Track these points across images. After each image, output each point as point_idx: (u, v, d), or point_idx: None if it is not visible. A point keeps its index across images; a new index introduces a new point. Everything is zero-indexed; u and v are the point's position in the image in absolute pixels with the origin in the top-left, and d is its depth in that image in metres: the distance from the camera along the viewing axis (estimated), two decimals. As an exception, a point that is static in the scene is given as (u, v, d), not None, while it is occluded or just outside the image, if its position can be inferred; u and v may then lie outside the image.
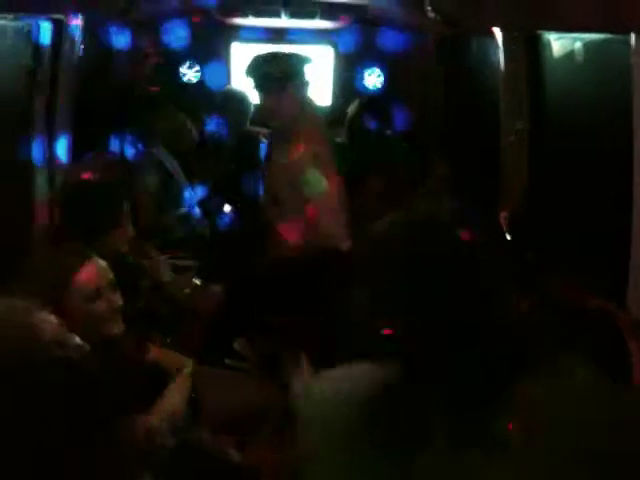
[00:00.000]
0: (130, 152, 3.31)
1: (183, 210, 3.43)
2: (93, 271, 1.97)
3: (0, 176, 2.77)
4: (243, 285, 3.24)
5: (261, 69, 3.05)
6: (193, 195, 3.48)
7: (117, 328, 2.03)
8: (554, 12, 2.57)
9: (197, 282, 2.79)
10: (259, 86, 3.10)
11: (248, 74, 3.14)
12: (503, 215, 2.11)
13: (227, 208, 3.95)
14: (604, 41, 2.49)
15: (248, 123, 4.19)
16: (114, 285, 2.03)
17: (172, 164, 3.48)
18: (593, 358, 1.09)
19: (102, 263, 2.03)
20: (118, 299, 2.03)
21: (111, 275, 2.04)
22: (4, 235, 2.67)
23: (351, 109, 4.17)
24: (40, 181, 2.94)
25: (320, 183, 2.89)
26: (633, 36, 2.15)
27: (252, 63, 3.13)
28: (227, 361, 2.99)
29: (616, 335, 1.23)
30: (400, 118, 4.36)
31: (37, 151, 2.91)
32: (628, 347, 1.22)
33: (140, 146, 3.46)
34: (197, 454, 2.02)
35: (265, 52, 3.22)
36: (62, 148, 2.99)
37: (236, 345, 3.40)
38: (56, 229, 2.73)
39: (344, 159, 3.27)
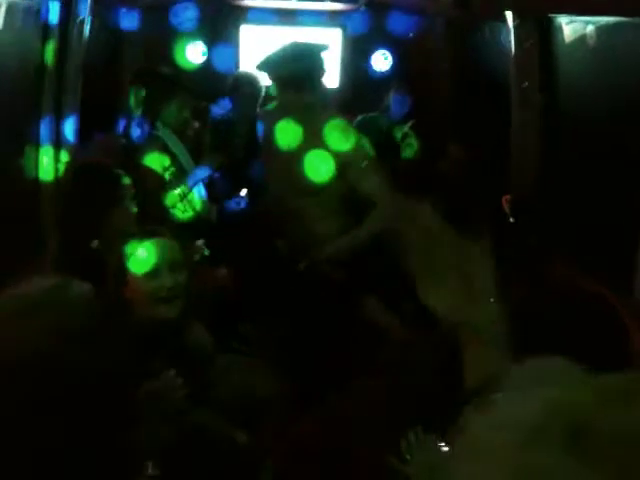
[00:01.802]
0: (135, 133, 3.29)
1: (188, 193, 3.41)
2: (152, 249, 1.97)
3: (8, 156, 2.78)
4: (252, 271, 3.24)
5: (286, 67, 2.88)
6: (199, 178, 3.46)
7: (169, 311, 1.96)
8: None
9: (206, 252, 2.81)
10: (283, 84, 2.92)
11: (271, 71, 2.95)
12: (506, 198, 2.10)
13: (244, 192, 3.94)
14: (616, 24, 2.45)
15: (258, 107, 4.17)
16: (175, 266, 2.00)
17: (178, 147, 3.47)
18: (588, 343, 1.08)
19: (167, 242, 2.02)
20: (169, 281, 1.97)
21: (174, 256, 2.01)
22: (13, 216, 2.68)
23: None
24: (47, 161, 2.94)
25: (329, 162, 2.87)
26: (645, 19, 2.12)
27: (274, 60, 2.91)
28: (232, 344, 2.99)
29: (613, 320, 1.21)
30: (408, 102, 4.33)
31: (45, 131, 2.91)
32: (625, 333, 1.19)
33: (146, 127, 3.44)
34: (203, 435, 2.02)
35: (288, 47, 2.93)
36: (70, 128, 2.99)
37: (242, 329, 3.41)
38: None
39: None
